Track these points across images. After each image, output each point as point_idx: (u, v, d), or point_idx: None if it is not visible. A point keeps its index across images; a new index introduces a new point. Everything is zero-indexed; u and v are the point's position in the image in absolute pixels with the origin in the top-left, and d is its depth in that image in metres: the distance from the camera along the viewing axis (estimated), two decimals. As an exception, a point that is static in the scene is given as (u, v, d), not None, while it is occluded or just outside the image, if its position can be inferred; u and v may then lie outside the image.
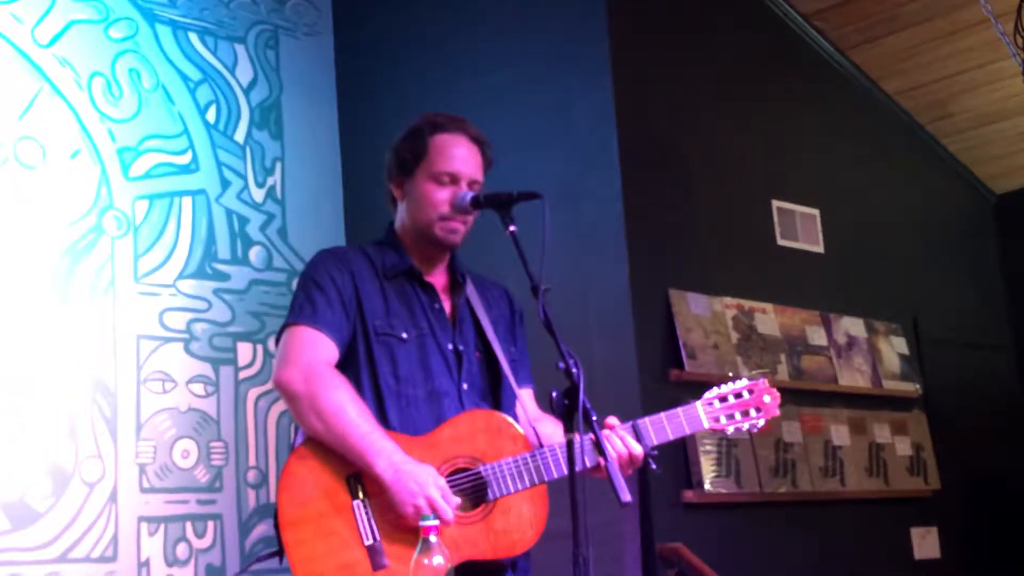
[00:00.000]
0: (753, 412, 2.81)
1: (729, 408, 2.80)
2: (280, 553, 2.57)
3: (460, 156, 2.81)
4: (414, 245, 2.85)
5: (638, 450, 2.66)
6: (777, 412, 2.85)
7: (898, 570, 5.43)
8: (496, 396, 2.84)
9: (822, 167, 5.80)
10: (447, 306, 2.84)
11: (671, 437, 2.73)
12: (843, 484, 5.24)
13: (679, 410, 2.75)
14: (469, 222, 2.82)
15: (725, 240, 5.18)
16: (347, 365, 2.73)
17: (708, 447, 4.68)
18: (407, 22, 5.65)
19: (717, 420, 2.79)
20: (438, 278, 2.87)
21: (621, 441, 2.66)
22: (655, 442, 2.70)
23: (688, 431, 2.76)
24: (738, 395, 2.81)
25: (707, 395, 2.81)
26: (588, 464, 2.52)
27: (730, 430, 2.81)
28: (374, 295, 2.77)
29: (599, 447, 2.39)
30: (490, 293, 2.95)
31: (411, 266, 2.82)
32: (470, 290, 2.88)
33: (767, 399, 2.82)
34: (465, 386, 2.77)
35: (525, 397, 2.88)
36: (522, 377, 2.91)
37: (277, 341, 2.76)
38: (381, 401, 2.70)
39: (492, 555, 2.59)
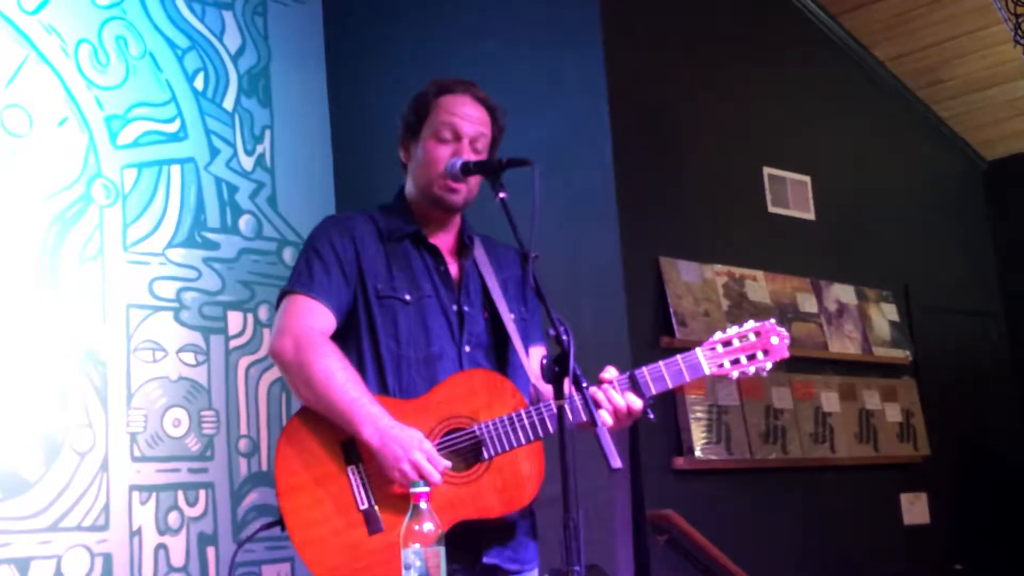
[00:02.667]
0: (760, 355, 2.69)
1: (733, 352, 2.68)
2: (280, 522, 2.58)
3: (463, 114, 2.79)
4: (420, 208, 2.84)
5: (637, 405, 2.62)
6: (786, 354, 2.72)
7: (887, 536, 5.46)
8: (503, 357, 2.82)
9: (813, 134, 5.79)
10: (453, 268, 2.83)
11: (670, 386, 2.66)
12: (833, 450, 5.27)
13: (678, 357, 2.67)
14: (472, 184, 2.80)
15: (716, 207, 5.17)
16: (348, 330, 2.73)
17: (699, 414, 4.69)
18: (396, -12, 5.62)
19: (721, 365, 2.67)
20: (444, 240, 2.85)
21: (620, 396, 2.62)
22: (654, 392, 2.64)
23: (688, 378, 2.66)
24: (743, 337, 2.70)
25: (709, 340, 2.70)
26: (583, 418, 2.50)
27: (734, 375, 2.68)
28: (376, 258, 2.76)
29: (590, 415, 2.38)
30: (502, 254, 2.93)
31: (416, 229, 2.81)
32: (478, 252, 2.87)
33: (775, 340, 2.70)
34: (467, 348, 2.76)
35: (534, 355, 2.86)
36: (533, 336, 2.89)
37: (276, 308, 2.77)
38: (381, 365, 2.70)
39: (489, 513, 2.59)
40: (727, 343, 2.70)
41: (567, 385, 2.31)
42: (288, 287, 2.74)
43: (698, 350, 2.69)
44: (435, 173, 2.77)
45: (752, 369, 2.69)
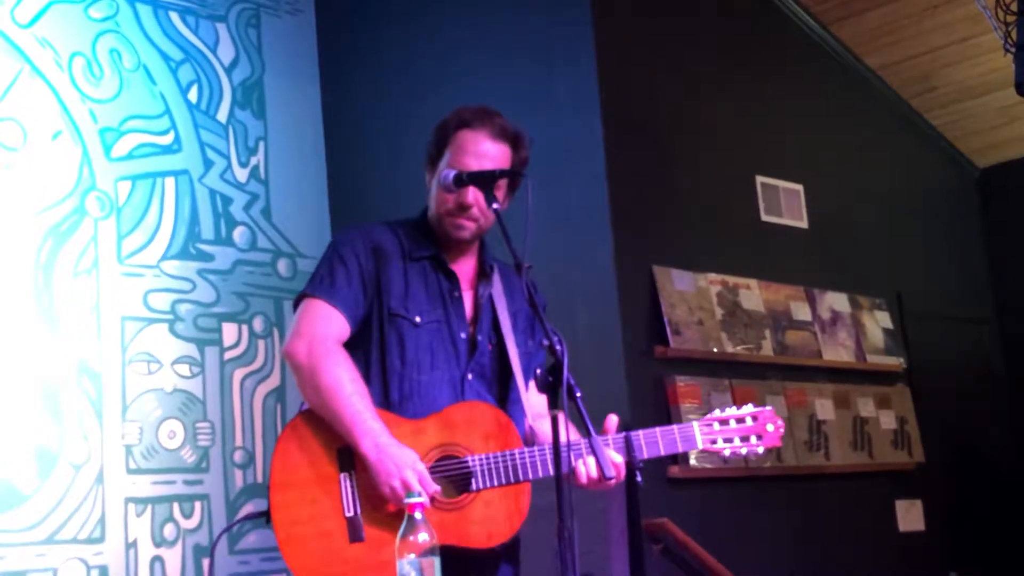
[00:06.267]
0: (753, 439, 2.78)
1: (728, 432, 2.78)
2: (267, 514, 2.63)
3: (474, 152, 2.78)
4: (440, 232, 2.87)
5: (618, 461, 2.64)
6: (779, 443, 2.82)
7: (883, 543, 5.46)
8: (504, 389, 2.85)
9: (806, 142, 5.81)
10: (468, 296, 2.86)
11: (662, 453, 2.72)
12: (828, 458, 5.27)
13: (675, 427, 2.75)
14: (484, 216, 2.79)
15: (709, 216, 5.18)
16: (360, 343, 2.78)
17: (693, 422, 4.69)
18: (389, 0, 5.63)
19: (713, 442, 2.76)
20: (464, 267, 2.88)
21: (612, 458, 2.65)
22: (645, 456, 2.70)
23: (681, 449, 2.75)
24: (740, 420, 2.79)
25: (707, 416, 2.80)
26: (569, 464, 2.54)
27: (726, 453, 2.77)
28: (395, 276, 2.80)
29: (583, 422, 2.41)
30: (516, 285, 2.91)
31: (436, 253, 2.84)
32: (496, 281, 2.90)
33: (770, 428, 2.80)
34: (470, 376, 2.79)
35: (533, 390, 2.86)
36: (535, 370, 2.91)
37: (295, 308, 2.83)
38: (386, 381, 2.75)
39: (465, 543, 2.62)
40: (724, 422, 2.79)
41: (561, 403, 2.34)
42: (308, 290, 2.78)
43: (695, 424, 2.77)
44: (443, 211, 2.80)
45: (744, 451, 2.79)
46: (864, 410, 5.56)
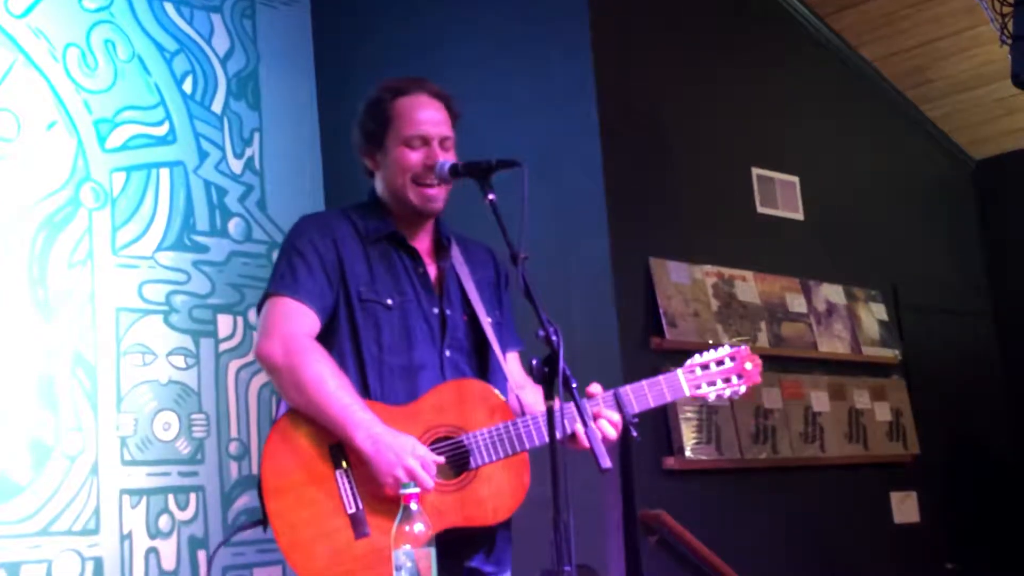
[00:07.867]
0: (735, 379, 2.82)
1: (711, 375, 2.80)
2: (264, 522, 2.58)
3: (426, 117, 2.79)
4: (396, 210, 2.83)
5: (616, 419, 2.66)
6: (759, 379, 2.85)
7: (878, 534, 5.47)
8: (483, 360, 2.82)
9: (802, 134, 5.80)
10: (432, 271, 2.83)
11: (652, 405, 2.73)
12: (823, 450, 5.27)
13: (660, 378, 2.75)
14: (446, 188, 2.80)
15: (705, 208, 5.18)
16: (330, 333, 2.72)
17: (689, 414, 4.70)
18: (385, -9, 5.62)
19: (698, 387, 2.79)
20: (422, 242, 2.85)
21: (608, 424, 2.66)
22: (636, 410, 2.70)
23: (669, 398, 2.77)
24: (720, 362, 2.82)
25: (688, 362, 2.82)
26: (566, 431, 2.55)
27: (711, 397, 2.81)
28: (358, 261, 2.75)
29: (580, 415, 2.40)
30: (475, 255, 2.93)
31: (394, 231, 2.80)
32: (455, 253, 2.87)
33: (748, 366, 2.83)
34: (448, 353, 2.76)
35: (510, 361, 2.88)
36: (507, 340, 2.90)
37: (259, 310, 2.76)
38: (363, 369, 2.70)
39: (472, 522, 2.60)
40: (704, 366, 2.82)
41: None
42: (272, 289, 2.73)
43: (679, 372, 2.80)
44: (410, 177, 2.76)
45: (728, 392, 2.83)
46: (859, 402, 5.56)
